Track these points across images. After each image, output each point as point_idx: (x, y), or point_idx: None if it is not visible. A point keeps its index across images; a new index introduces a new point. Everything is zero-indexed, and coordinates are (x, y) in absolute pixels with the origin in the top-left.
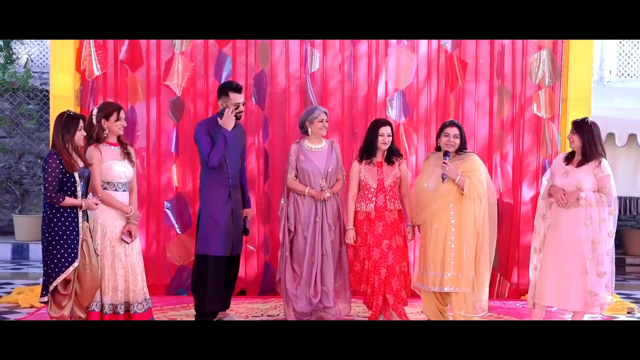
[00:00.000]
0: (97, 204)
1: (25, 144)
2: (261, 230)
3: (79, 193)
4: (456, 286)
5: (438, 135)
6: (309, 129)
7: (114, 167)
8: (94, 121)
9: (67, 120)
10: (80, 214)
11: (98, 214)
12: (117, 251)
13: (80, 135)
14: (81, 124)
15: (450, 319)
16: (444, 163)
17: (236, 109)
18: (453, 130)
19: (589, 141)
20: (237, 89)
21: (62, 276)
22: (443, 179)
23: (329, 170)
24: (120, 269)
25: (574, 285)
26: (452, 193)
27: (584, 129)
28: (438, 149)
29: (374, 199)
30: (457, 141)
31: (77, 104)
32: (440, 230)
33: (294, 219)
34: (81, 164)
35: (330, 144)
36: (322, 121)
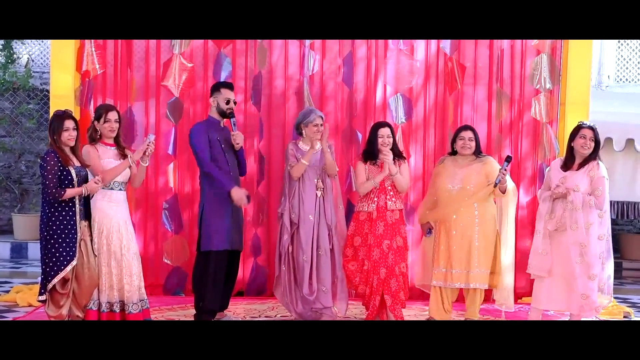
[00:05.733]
0: (97, 183)
1: (25, 143)
2: (254, 232)
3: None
4: (480, 282)
5: (454, 140)
6: (304, 132)
7: (109, 166)
8: (92, 122)
9: (53, 120)
10: (78, 213)
11: (95, 213)
12: (114, 250)
13: (67, 135)
14: (67, 123)
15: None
16: (505, 170)
17: (227, 104)
18: (468, 134)
19: (597, 145)
20: (229, 86)
21: (61, 275)
22: (496, 185)
23: (324, 170)
24: (116, 268)
25: (570, 289)
26: (477, 194)
27: (598, 136)
28: (453, 152)
29: (375, 199)
30: (473, 144)
31: (77, 103)
32: (467, 229)
33: (298, 209)
34: (77, 163)
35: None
36: (317, 125)
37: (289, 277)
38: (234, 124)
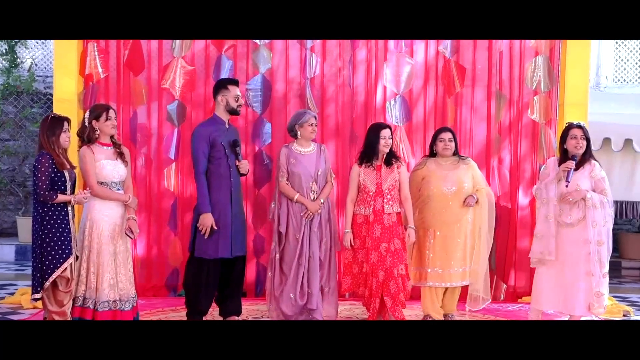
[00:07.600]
0: (85, 198)
1: (29, 146)
2: (256, 234)
3: (69, 192)
4: (462, 280)
5: (433, 142)
6: (299, 133)
7: (106, 166)
8: (86, 124)
9: (52, 123)
10: (70, 212)
11: (92, 213)
12: (111, 249)
13: (65, 137)
14: (66, 125)
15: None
16: (568, 168)
17: (236, 101)
18: (447, 135)
19: (589, 143)
20: (235, 82)
21: (58, 272)
22: (568, 180)
23: (319, 173)
24: (111, 266)
25: (580, 290)
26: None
27: (587, 133)
28: (433, 154)
29: (372, 202)
30: (452, 145)
31: (80, 107)
32: (462, 229)
33: (286, 221)
34: (69, 166)
35: (318, 147)
36: (312, 125)
37: (276, 280)
38: (238, 154)
